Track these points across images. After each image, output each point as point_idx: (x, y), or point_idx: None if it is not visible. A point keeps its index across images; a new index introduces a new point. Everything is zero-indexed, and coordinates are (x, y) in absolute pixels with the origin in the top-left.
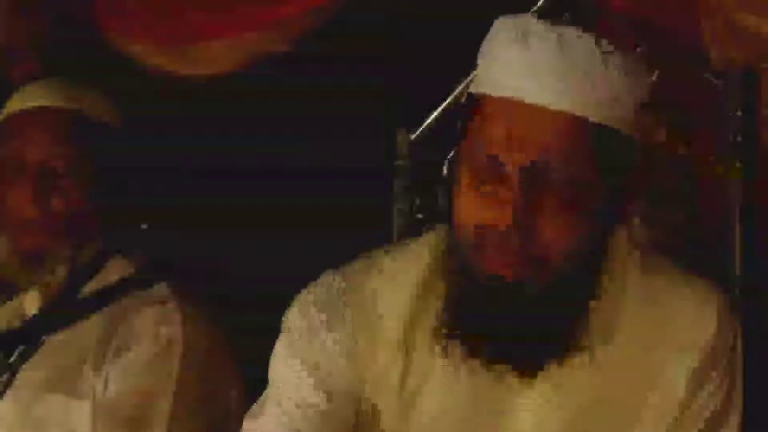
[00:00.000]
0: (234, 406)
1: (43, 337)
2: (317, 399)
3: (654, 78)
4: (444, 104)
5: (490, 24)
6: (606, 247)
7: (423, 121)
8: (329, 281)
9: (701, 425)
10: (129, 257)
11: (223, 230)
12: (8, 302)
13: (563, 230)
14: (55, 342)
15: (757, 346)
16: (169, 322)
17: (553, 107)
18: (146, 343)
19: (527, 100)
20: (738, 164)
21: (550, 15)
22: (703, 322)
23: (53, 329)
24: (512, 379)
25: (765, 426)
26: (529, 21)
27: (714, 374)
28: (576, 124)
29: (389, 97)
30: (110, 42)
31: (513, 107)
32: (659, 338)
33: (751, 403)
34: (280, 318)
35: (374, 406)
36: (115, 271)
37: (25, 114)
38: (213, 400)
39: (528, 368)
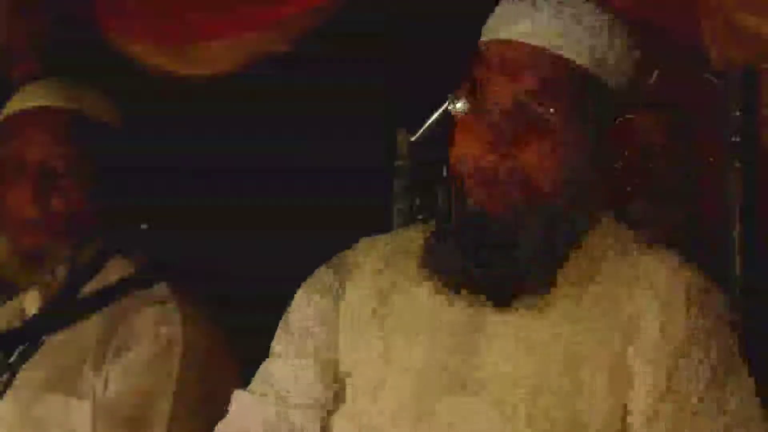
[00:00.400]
0: None
1: (43, 337)
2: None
3: (654, 78)
4: (444, 104)
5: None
6: (589, 201)
7: (423, 121)
8: (320, 273)
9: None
10: (129, 257)
11: (223, 230)
12: (8, 302)
13: (545, 157)
14: (55, 342)
15: (757, 346)
16: (169, 322)
17: (538, 44)
18: (146, 343)
19: (512, 38)
20: (738, 164)
21: None
22: (674, 286)
23: (53, 329)
24: (488, 310)
25: None
26: None
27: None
28: (566, 65)
29: (389, 98)
30: (110, 42)
31: (499, 46)
32: (632, 293)
33: None
34: (279, 318)
35: (354, 360)
36: (115, 271)
37: (25, 114)
38: (213, 400)
39: (501, 298)
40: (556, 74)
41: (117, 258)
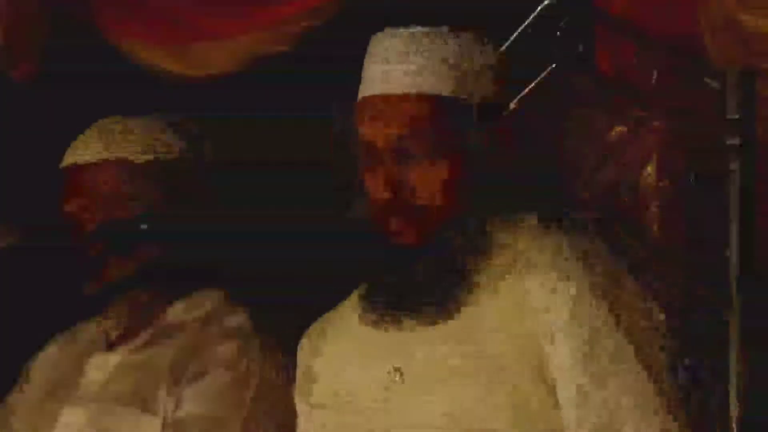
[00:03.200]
0: None
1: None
2: None
3: (654, 79)
4: None
5: (491, 24)
6: (492, 210)
7: None
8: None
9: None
10: (215, 287)
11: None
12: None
13: (432, 180)
14: (133, 360)
15: (758, 346)
16: (248, 355)
17: (393, 92)
18: (223, 371)
19: (375, 92)
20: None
21: (549, 17)
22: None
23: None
24: (411, 330)
25: (766, 425)
26: (377, 35)
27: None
28: (416, 100)
29: None
30: (110, 42)
31: (370, 101)
32: (518, 271)
33: (751, 403)
34: None
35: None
36: (205, 300)
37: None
38: None
39: (420, 319)
40: (420, 112)
41: (206, 289)
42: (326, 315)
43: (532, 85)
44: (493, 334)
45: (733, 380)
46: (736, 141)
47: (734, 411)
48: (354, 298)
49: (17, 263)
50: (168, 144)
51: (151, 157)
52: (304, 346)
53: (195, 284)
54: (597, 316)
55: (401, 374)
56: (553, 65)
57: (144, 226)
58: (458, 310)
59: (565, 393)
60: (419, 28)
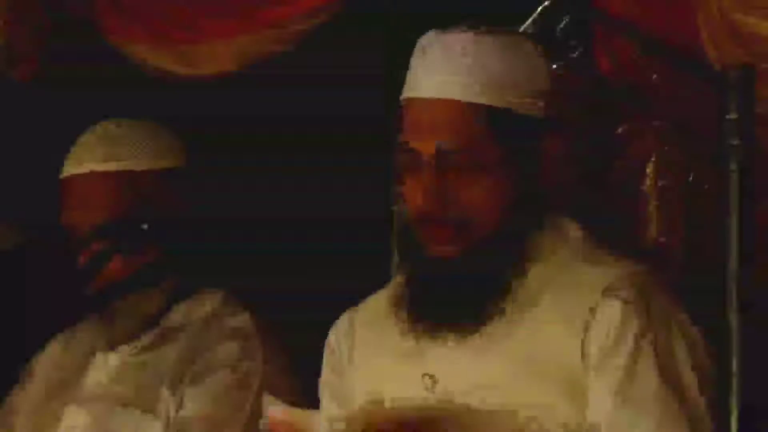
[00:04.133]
0: None
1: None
2: None
3: (654, 79)
4: None
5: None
6: (532, 223)
7: None
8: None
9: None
10: (216, 289)
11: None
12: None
13: (477, 194)
14: (136, 361)
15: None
16: (250, 357)
17: (443, 97)
18: (226, 373)
19: (423, 95)
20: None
21: (550, 18)
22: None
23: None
24: (450, 339)
25: (765, 426)
26: (429, 34)
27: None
28: (466, 108)
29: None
30: (110, 42)
31: (417, 103)
32: (575, 303)
33: (752, 403)
34: None
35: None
36: (206, 301)
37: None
38: None
39: (459, 329)
40: (468, 121)
41: (206, 290)
42: (359, 307)
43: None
44: (529, 345)
45: (734, 380)
46: (735, 141)
47: (734, 411)
48: (386, 296)
49: (19, 263)
50: (160, 149)
51: (144, 163)
52: (340, 328)
53: (196, 285)
54: (638, 349)
55: (434, 382)
56: (553, 66)
57: (144, 227)
58: (493, 322)
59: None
60: (476, 31)
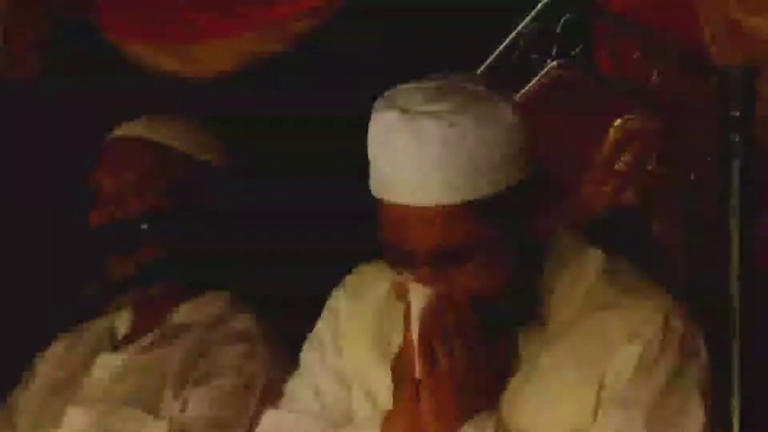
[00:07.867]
0: None
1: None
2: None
3: (655, 78)
4: None
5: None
6: (537, 272)
7: None
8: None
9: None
10: (221, 291)
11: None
12: (98, 320)
13: (480, 279)
14: (139, 362)
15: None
16: (254, 359)
17: (420, 204)
18: (230, 375)
19: (398, 201)
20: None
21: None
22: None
23: None
24: None
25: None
26: (390, 116)
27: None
28: (452, 209)
29: None
30: (111, 42)
31: (394, 208)
32: (607, 333)
33: (751, 403)
34: None
35: None
36: (209, 303)
37: None
38: None
39: None
40: (458, 220)
41: (211, 291)
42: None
43: (532, 83)
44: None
45: (734, 379)
46: (736, 139)
47: (735, 410)
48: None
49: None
50: (202, 142)
51: (186, 148)
52: (341, 298)
53: (201, 286)
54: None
55: None
56: (553, 64)
57: (144, 226)
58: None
59: None
60: (446, 111)
